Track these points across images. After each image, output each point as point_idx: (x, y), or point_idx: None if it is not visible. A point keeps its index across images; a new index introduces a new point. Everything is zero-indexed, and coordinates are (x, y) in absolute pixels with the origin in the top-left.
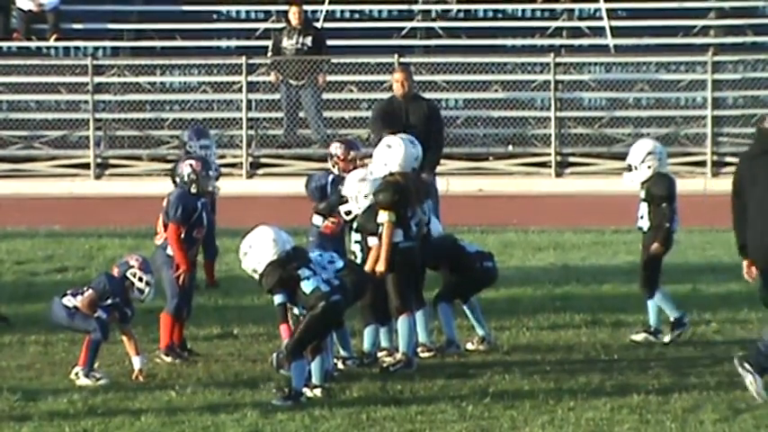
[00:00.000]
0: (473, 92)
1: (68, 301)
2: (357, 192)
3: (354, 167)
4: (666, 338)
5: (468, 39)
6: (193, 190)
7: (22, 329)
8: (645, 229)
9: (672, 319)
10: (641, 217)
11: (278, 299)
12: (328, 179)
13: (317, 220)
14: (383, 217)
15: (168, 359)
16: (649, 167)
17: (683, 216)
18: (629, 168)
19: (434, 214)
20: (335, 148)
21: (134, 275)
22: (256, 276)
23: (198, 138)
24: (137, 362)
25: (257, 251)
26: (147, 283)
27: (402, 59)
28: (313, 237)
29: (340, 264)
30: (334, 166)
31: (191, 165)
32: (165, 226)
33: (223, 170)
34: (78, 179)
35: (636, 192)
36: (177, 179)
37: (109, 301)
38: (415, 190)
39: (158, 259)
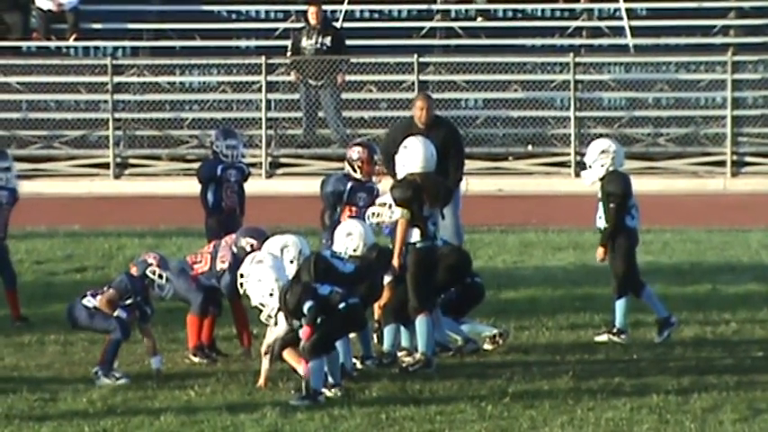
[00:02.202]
0: (492, 92)
1: (88, 301)
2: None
3: (376, 173)
4: (657, 339)
5: (487, 38)
6: None
7: (41, 329)
8: (601, 228)
9: (617, 325)
10: (599, 217)
11: (308, 304)
12: (347, 187)
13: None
14: (397, 213)
15: (196, 359)
16: (602, 166)
17: (703, 216)
18: (587, 167)
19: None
20: (358, 153)
21: (153, 273)
22: (273, 304)
23: (225, 138)
24: (154, 362)
25: (266, 283)
26: (167, 280)
27: (421, 59)
28: (326, 239)
29: (350, 267)
30: (356, 171)
31: (251, 244)
32: (212, 259)
33: None
34: (98, 179)
35: (657, 191)
36: (235, 249)
37: (129, 301)
38: (433, 190)
39: (174, 266)
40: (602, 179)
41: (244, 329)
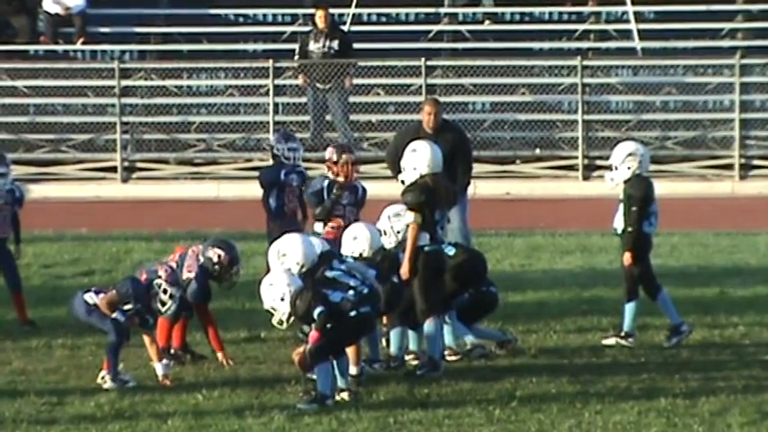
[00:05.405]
0: (500, 95)
1: (90, 297)
2: (389, 226)
3: (348, 172)
4: (666, 344)
5: (494, 42)
6: (214, 275)
7: (49, 333)
8: (619, 231)
9: (625, 328)
10: (618, 219)
11: (318, 310)
12: (323, 184)
13: (318, 227)
14: (409, 218)
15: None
16: (629, 168)
17: (711, 219)
18: (611, 168)
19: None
20: (328, 153)
21: (159, 286)
22: (285, 308)
23: (286, 141)
24: (159, 368)
25: (277, 287)
26: (171, 296)
27: (429, 62)
28: None
29: (372, 272)
30: (328, 170)
31: (219, 255)
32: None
33: (250, 174)
34: (105, 182)
35: (665, 194)
36: (202, 258)
37: (129, 306)
38: (444, 193)
39: (149, 267)
40: (626, 182)
41: (214, 336)
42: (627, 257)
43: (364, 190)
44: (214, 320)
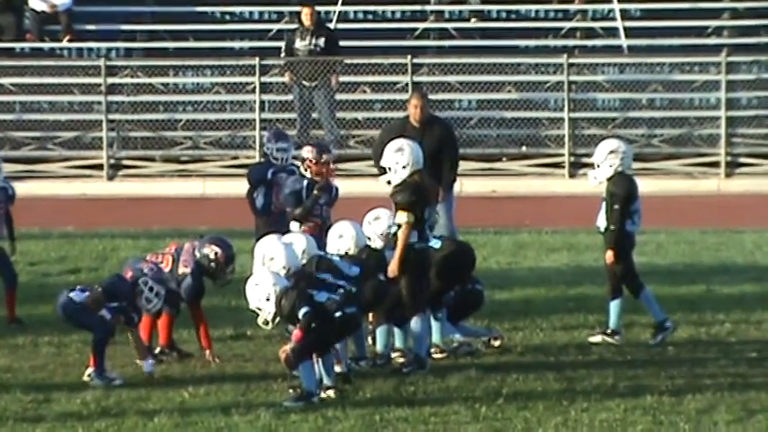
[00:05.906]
0: (486, 92)
1: (76, 295)
2: (372, 231)
3: (326, 171)
4: (651, 341)
5: (481, 39)
6: (210, 272)
7: (35, 331)
8: (602, 228)
9: (611, 326)
10: (600, 217)
11: (303, 310)
12: (303, 184)
13: (294, 226)
14: (401, 218)
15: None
16: (611, 166)
17: (697, 217)
18: (594, 166)
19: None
20: (307, 152)
21: (145, 284)
22: (270, 308)
23: (276, 140)
24: (144, 366)
25: (263, 287)
26: (157, 294)
27: (415, 60)
28: None
29: (356, 270)
30: (306, 170)
31: (216, 252)
32: (173, 261)
33: (236, 171)
34: (91, 180)
35: (651, 192)
36: (198, 254)
37: (115, 304)
38: (431, 190)
39: (133, 264)
40: (608, 179)
41: (204, 332)
42: (609, 256)
43: (337, 189)
44: (205, 318)
